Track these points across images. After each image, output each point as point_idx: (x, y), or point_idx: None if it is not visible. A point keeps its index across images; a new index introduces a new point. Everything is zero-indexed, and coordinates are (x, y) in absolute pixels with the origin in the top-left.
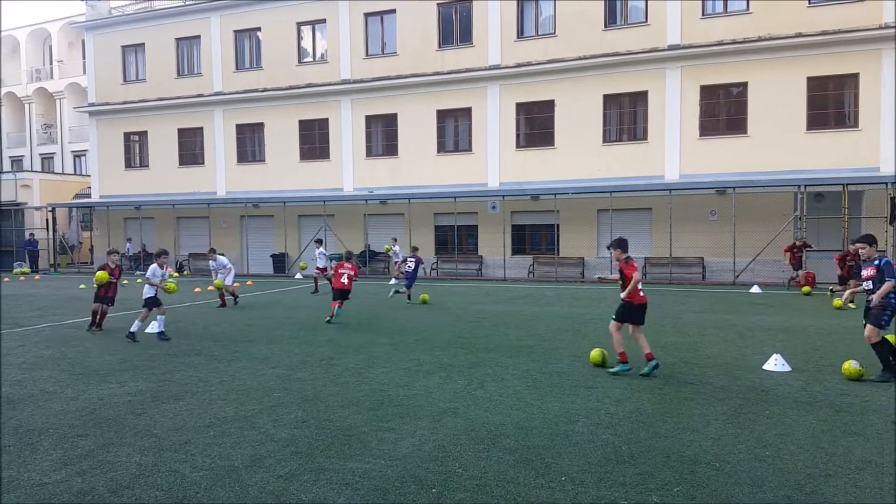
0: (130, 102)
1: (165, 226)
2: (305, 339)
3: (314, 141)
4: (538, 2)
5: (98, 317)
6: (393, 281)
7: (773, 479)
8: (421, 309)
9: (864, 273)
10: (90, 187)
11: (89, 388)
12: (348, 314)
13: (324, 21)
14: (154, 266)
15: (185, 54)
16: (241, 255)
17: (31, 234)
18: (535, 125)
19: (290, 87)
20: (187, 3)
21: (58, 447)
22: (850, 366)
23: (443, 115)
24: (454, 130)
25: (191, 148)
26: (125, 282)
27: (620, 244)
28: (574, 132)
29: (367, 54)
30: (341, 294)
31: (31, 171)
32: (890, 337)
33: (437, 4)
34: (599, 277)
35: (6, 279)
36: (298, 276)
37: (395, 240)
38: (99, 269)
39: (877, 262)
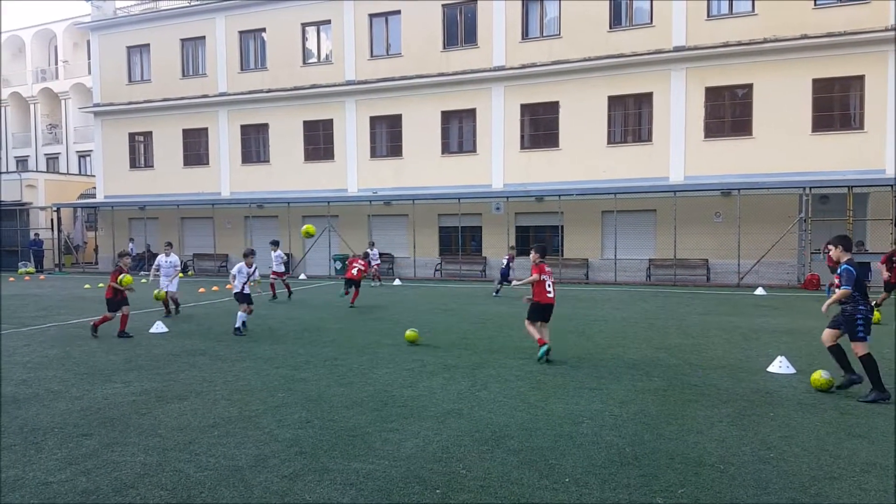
0: (135, 103)
1: (170, 226)
2: (310, 340)
3: (319, 142)
4: (543, 3)
5: (123, 322)
6: (374, 283)
7: (777, 481)
8: (424, 310)
9: (835, 280)
10: (95, 187)
11: (94, 387)
12: (352, 315)
13: (328, 22)
14: (241, 265)
15: (190, 55)
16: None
17: (36, 234)
18: (540, 126)
19: (295, 88)
20: (192, 3)
21: (62, 446)
22: (820, 376)
23: (447, 117)
24: (458, 131)
25: (195, 148)
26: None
27: (538, 249)
28: (578, 133)
29: (371, 55)
30: (350, 283)
31: (37, 171)
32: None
33: (442, 5)
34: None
35: (11, 279)
36: (303, 276)
37: (373, 244)
38: (115, 272)
39: (840, 268)
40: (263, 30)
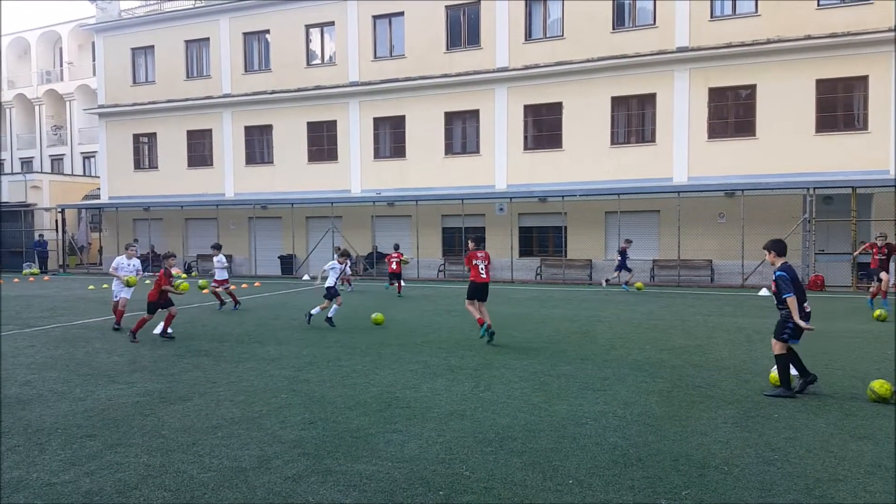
0: (140, 104)
1: (174, 227)
2: (313, 341)
3: (322, 143)
4: (546, 4)
5: (168, 321)
6: (348, 288)
7: (781, 483)
8: (427, 311)
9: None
10: (99, 188)
11: (98, 388)
12: (355, 316)
13: (332, 23)
14: (334, 262)
15: (195, 56)
16: (249, 256)
17: (41, 235)
18: (543, 127)
19: (299, 90)
20: (197, 5)
21: (66, 447)
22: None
23: (450, 117)
24: (462, 132)
25: (199, 149)
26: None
27: (473, 240)
28: (582, 134)
29: (375, 56)
30: (393, 276)
31: (41, 172)
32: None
33: (446, 7)
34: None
35: (15, 280)
36: (306, 276)
37: (339, 249)
38: (163, 274)
39: (775, 275)
40: (267, 31)
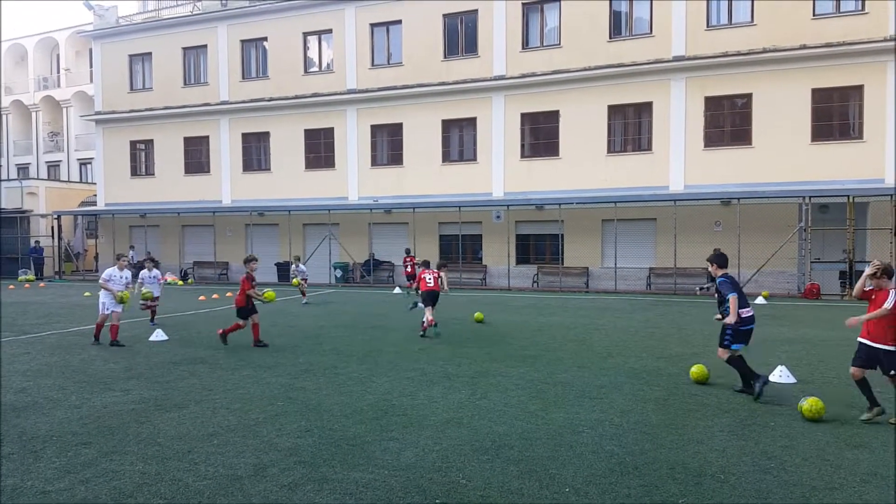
0: (137, 111)
1: (171, 234)
2: (309, 348)
3: (320, 150)
4: (543, 12)
5: (255, 331)
6: (304, 301)
7: (778, 491)
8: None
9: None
10: (96, 195)
11: (93, 395)
12: (352, 324)
13: (330, 31)
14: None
15: (192, 63)
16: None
17: (37, 242)
18: (540, 135)
19: (296, 97)
20: (194, 12)
21: (61, 455)
22: (700, 370)
23: (448, 125)
24: (459, 140)
25: (197, 156)
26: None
27: (423, 263)
28: (579, 142)
29: (372, 64)
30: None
31: (38, 178)
32: None
33: (443, 15)
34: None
35: (11, 286)
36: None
37: (298, 258)
38: (246, 280)
39: (718, 280)
40: (265, 39)
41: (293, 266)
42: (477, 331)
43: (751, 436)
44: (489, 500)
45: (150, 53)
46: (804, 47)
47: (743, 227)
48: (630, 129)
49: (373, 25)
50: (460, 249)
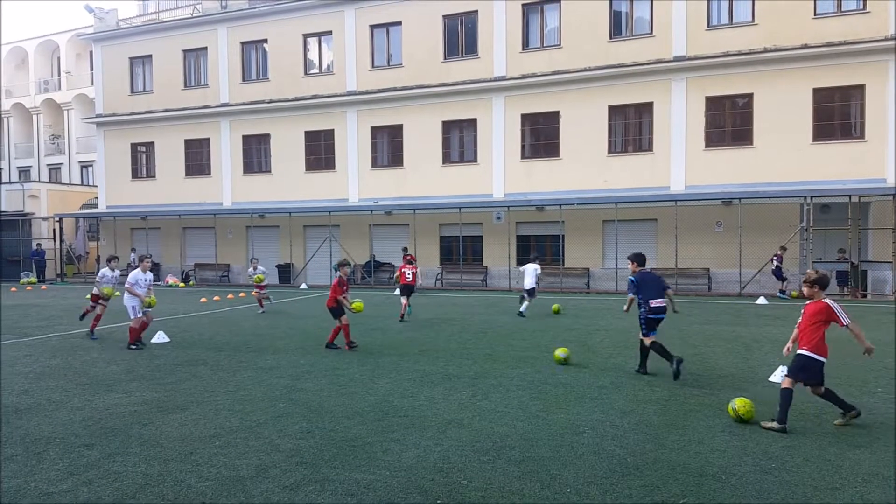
0: (137, 113)
1: (172, 236)
2: (311, 350)
3: (320, 152)
4: (543, 13)
5: (335, 334)
6: (260, 311)
7: (779, 491)
8: (425, 319)
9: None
10: (97, 197)
11: (95, 397)
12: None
13: (330, 33)
14: (535, 266)
15: (193, 66)
16: (246, 265)
17: (38, 245)
18: (541, 136)
19: (297, 99)
20: (195, 15)
21: (64, 457)
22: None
23: (448, 126)
24: (459, 141)
25: (197, 158)
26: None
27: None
28: (579, 143)
29: (372, 66)
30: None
31: (39, 181)
32: None
33: (443, 16)
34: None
35: (13, 289)
36: (304, 286)
37: (257, 259)
38: (337, 283)
39: (630, 278)
40: (265, 41)
41: (250, 269)
42: (477, 332)
43: (752, 436)
44: (490, 500)
45: (150, 56)
46: (805, 47)
47: (744, 228)
48: (631, 129)
49: (373, 27)
50: (461, 250)
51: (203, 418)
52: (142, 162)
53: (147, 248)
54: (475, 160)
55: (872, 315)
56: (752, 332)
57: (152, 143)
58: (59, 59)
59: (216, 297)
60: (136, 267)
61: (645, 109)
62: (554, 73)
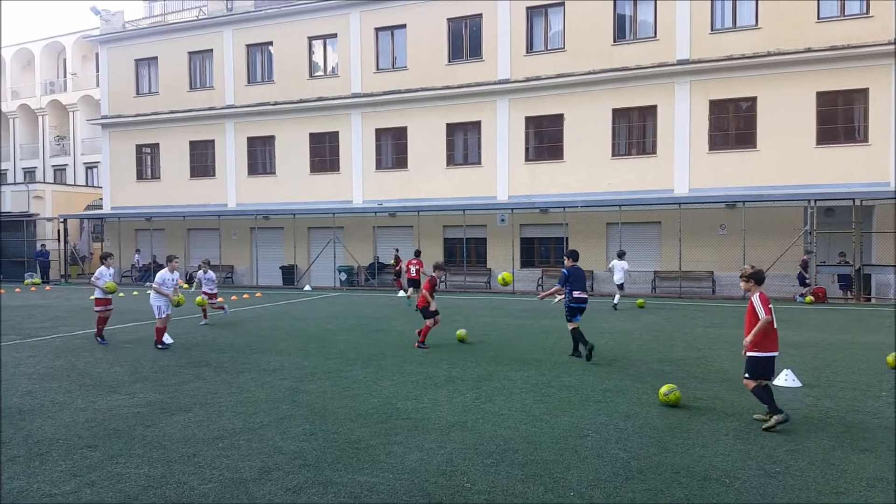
0: (143, 115)
1: (176, 237)
2: (314, 351)
3: (324, 154)
4: (548, 17)
5: (426, 333)
6: (202, 322)
7: (783, 496)
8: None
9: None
10: (102, 199)
11: (99, 399)
12: (356, 327)
13: (335, 36)
14: (622, 262)
15: (198, 68)
16: (251, 266)
17: (43, 245)
18: (545, 139)
19: (302, 101)
20: (200, 17)
21: (67, 458)
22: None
23: (452, 129)
24: (463, 144)
25: (202, 160)
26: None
27: (416, 253)
28: (583, 146)
29: (377, 68)
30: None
31: (44, 182)
32: None
33: (448, 19)
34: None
35: (17, 290)
36: (307, 287)
37: (208, 262)
38: (430, 282)
39: (563, 271)
40: (270, 43)
41: (199, 273)
42: (481, 334)
43: (756, 440)
44: None
45: (156, 58)
46: (809, 50)
47: (748, 231)
48: (634, 132)
49: (378, 30)
50: (464, 252)
51: (206, 420)
52: (147, 163)
53: (151, 250)
54: (479, 162)
55: (876, 319)
56: None
57: (157, 145)
58: (65, 60)
59: (220, 299)
60: (143, 267)
61: (649, 112)
62: (558, 76)
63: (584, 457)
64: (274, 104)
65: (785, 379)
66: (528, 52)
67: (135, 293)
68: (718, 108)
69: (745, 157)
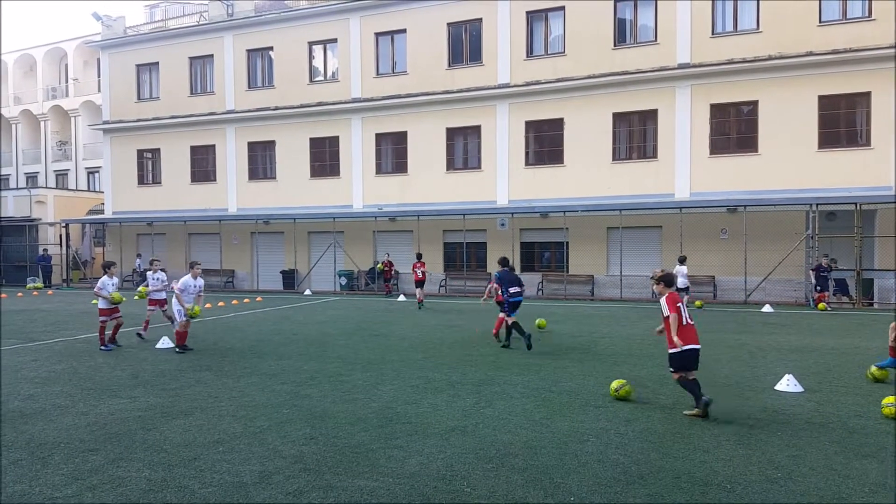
0: (144, 120)
1: (177, 242)
2: (314, 356)
3: (325, 158)
4: (548, 21)
5: (499, 325)
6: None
7: (785, 501)
8: (428, 326)
9: None
10: (103, 203)
11: (100, 402)
12: (357, 332)
13: (335, 40)
14: (682, 267)
15: (199, 73)
16: (251, 271)
17: (45, 250)
18: (545, 143)
19: (302, 106)
20: (201, 22)
21: (68, 462)
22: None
23: (452, 133)
24: (463, 148)
25: (203, 165)
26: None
27: (418, 256)
28: (583, 150)
29: (377, 73)
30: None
31: (46, 187)
32: None
33: (447, 24)
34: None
35: (19, 294)
36: (308, 292)
37: (157, 260)
38: (494, 282)
39: (494, 274)
40: (271, 48)
41: (150, 273)
42: (481, 338)
43: (757, 445)
44: None
45: (157, 63)
46: (810, 54)
47: (750, 235)
48: (635, 136)
49: (377, 34)
50: (465, 257)
51: (207, 424)
52: (148, 168)
53: (152, 254)
54: (479, 167)
55: (877, 324)
56: (757, 341)
57: (158, 150)
58: (66, 66)
59: (220, 304)
60: (146, 272)
61: (649, 116)
62: (558, 80)
63: (585, 462)
64: (274, 109)
65: (787, 384)
66: (528, 56)
67: (136, 297)
68: (719, 112)
69: (746, 161)
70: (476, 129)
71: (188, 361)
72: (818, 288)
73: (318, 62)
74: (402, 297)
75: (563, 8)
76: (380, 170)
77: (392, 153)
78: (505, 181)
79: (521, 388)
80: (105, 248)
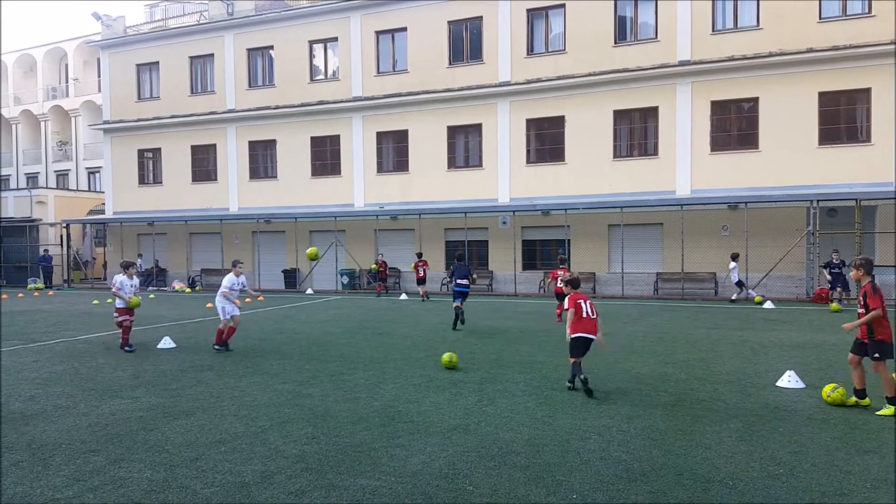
0: (144, 120)
1: (178, 242)
2: (316, 355)
3: (326, 157)
4: (548, 18)
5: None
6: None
7: (787, 497)
8: (431, 324)
9: None
10: (104, 203)
11: (101, 403)
12: (359, 331)
13: (336, 39)
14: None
15: (199, 72)
16: (253, 270)
17: (46, 250)
18: (546, 141)
19: (303, 105)
20: (201, 22)
21: (70, 463)
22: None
23: (453, 132)
24: (464, 146)
25: (204, 164)
26: (152, 297)
27: (418, 255)
28: (584, 148)
29: (378, 72)
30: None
31: (46, 187)
32: None
33: (448, 22)
34: None
35: (20, 295)
36: (309, 291)
37: (132, 264)
38: (553, 275)
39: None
40: (271, 47)
41: (124, 278)
42: (483, 337)
43: (759, 441)
44: None
45: (157, 63)
46: (811, 51)
47: (750, 232)
48: (636, 133)
49: (378, 33)
50: (466, 255)
51: (208, 424)
52: (148, 168)
53: (154, 254)
54: (480, 165)
55: None
56: (758, 337)
57: (159, 150)
58: (66, 66)
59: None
60: (144, 272)
61: (650, 114)
62: (559, 77)
63: (587, 459)
64: (275, 108)
65: (788, 380)
66: (528, 54)
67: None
68: (720, 109)
69: (747, 158)
70: (477, 128)
71: (189, 361)
72: (833, 286)
73: (318, 61)
74: (403, 296)
75: (563, 6)
76: (381, 168)
77: (393, 152)
78: (506, 179)
79: (523, 386)
80: (106, 248)
